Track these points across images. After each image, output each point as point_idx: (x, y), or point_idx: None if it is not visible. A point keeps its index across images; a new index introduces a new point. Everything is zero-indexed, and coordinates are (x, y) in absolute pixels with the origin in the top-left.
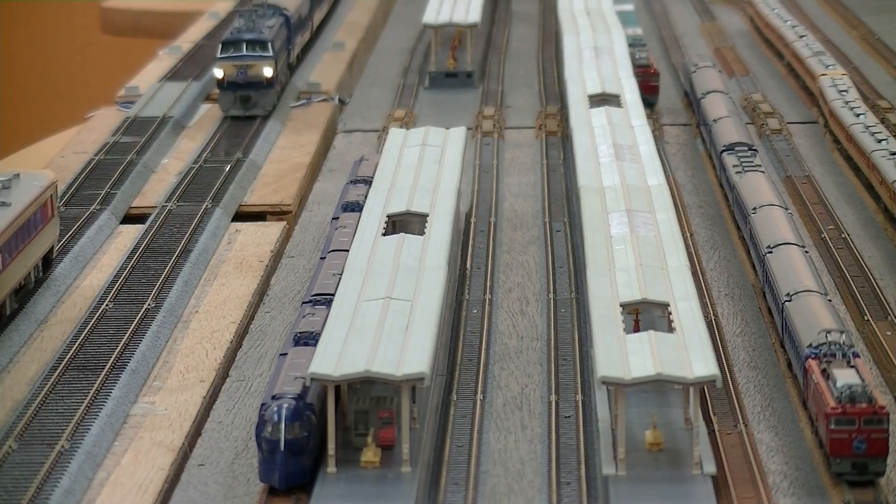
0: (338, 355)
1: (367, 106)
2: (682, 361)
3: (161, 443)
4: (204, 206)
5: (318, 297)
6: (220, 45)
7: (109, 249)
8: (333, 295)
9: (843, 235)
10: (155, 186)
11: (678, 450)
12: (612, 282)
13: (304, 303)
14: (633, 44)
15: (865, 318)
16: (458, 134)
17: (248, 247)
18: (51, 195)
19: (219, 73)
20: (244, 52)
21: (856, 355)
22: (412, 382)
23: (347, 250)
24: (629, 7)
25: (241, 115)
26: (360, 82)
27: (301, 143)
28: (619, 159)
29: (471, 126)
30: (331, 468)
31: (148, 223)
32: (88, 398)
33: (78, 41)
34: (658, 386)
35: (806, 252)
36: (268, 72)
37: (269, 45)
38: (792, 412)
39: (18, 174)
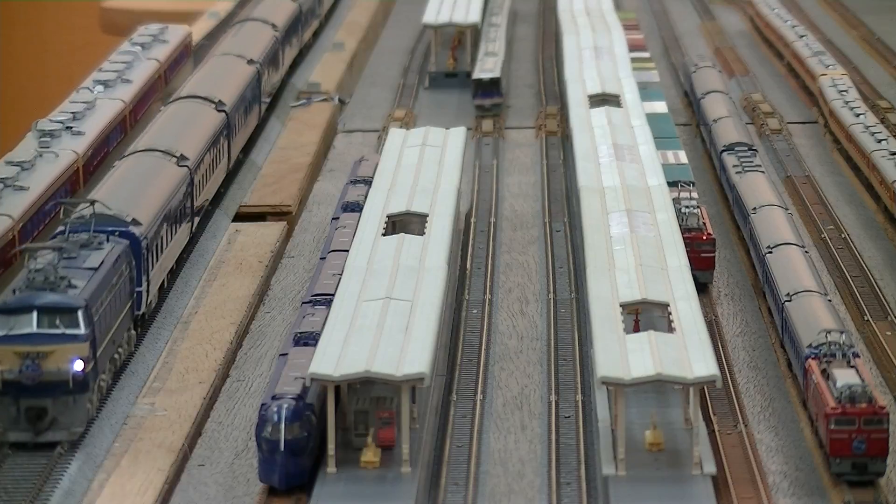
0: (338, 355)
1: (367, 106)
2: (682, 361)
3: (161, 444)
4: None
5: (318, 297)
6: None
7: None
8: (333, 295)
9: (843, 235)
10: None
11: (678, 450)
12: (612, 282)
13: (304, 303)
14: (677, 183)
15: (865, 318)
16: (458, 134)
17: (248, 247)
18: (189, 41)
19: None
20: (34, 329)
21: (856, 355)
22: (412, 382)
23: (347, 250)
24: (661, 106)
25: (27, 440)
26: (360, 82)
27: (301, 143)
28: (619, 159)
29: (471, 126)
30: (331, 468)
31: None
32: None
33: (78, 41)
34: (658, 386)
35: (806, 252)
36: (77, 364)
37: (80, 314)
38: (792, 412)
39: (167, 26)
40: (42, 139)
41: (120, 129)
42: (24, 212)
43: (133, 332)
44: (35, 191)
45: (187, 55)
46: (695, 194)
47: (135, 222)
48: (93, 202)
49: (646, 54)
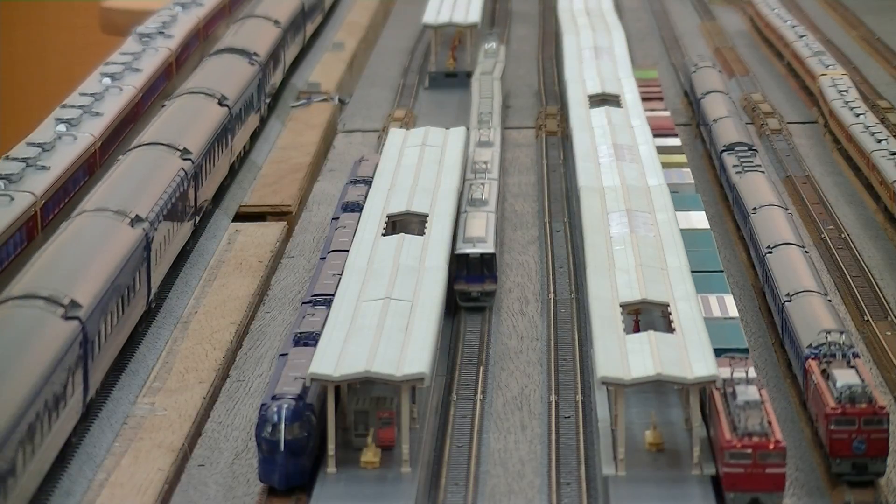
0: (338, 355)
1: (367, 106)
2: (682, 361)
3: (161, 443)
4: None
5: (318, 297)
6: None
7: None
8: (333, 295)
9: (843, 235)
10: None
11: (678, 450)
12: (612, 282)
13: (304, 303)
14: (725, 353)
15: (865, 318)
16: (458, 134)
17: (248, 247)
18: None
19: None
20: None
21: (856, 355)
22: (412, 382)
23: (347, 250)
24: (699, 219)
25: None
26: (360, 82)
27: (301, 143)
28: (619, 159)
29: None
30: (331, 468)
31: None
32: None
33: (78, 41)
34: (658, 386)
35: (806, 252)
36: None
37: None
38: (792, 412)
39: None
40: (143, 39)
41: (196, 38)
42: (141, 85)
43: None
44: (146, 72)
45: (230, 12)
46: (752, 371)
47: None
48: None
49: (675, 141)
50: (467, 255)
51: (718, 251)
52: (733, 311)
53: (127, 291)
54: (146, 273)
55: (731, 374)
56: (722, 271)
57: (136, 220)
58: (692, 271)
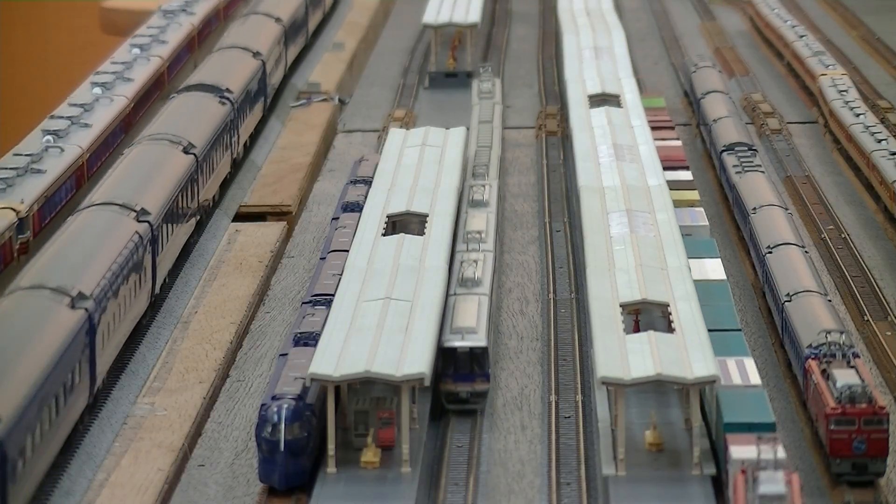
0: (338, 356)
1: (367, 106)
2: (682, 362)
3: (161, 443)
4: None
5: (318, 298)
6: None
7: None
8: (333, 295)
9: (843, 235)
10: None
11: (678, 450)
12: (612, 282)
13: (304, 303)
14: (757, 433)
15: (865, 318)
16: (458, 134)
17: (248, 247)
18: None
19: None
20: None
21: (856, 355)
22: (412, 383)
23: (347, 250)
24: (714, 267)
25: None
26: (360, 82)
27: (301, 143)
28: (619, 159)
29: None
30: (331, 468)
31: None
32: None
33: (78, 41)
34: (658, 386)
35: (806, 252)
36: None
37: None
38: (792, 412)
39: None
40: (167, 15)
41: (216, 18)
42: (170, 52)
43: None
44: (174, 42)
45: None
46: (781, 451)
47: None
48: None
49: (687, 175)
50: (454, 349)
51: (736, 306)
52: (755, 377)
53: (63, 390)
54: (89, 362)
55: (758, 454)
56: (740, 330)
57: (79, 298)
58: (710, 330)
